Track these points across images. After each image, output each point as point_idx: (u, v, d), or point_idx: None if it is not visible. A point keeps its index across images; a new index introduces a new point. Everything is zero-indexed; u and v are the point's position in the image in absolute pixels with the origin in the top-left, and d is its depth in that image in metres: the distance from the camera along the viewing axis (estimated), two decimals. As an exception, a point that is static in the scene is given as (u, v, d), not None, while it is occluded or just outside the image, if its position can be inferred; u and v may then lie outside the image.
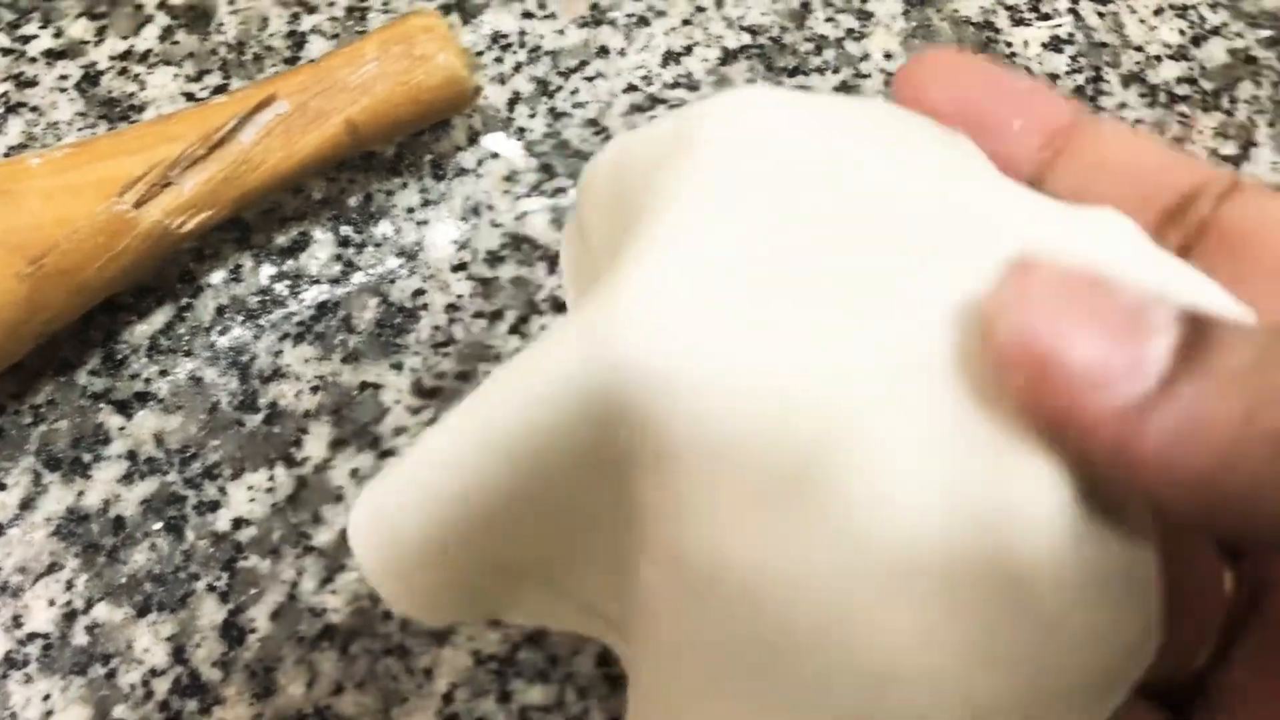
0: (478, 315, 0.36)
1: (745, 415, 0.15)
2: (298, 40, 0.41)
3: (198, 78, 0.40)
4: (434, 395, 0.35)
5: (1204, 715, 0.19)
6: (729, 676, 0.17)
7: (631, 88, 0.41)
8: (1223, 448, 0.14)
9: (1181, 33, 0.45)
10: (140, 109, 0.39)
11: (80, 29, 0.40)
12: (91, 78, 0.39)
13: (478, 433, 0.18)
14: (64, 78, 0.39)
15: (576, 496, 0.18)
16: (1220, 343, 0.14)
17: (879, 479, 0.15)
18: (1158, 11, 0.45)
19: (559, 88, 0.41)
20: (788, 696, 0.16)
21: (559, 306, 0.36)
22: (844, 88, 0.42)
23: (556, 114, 0.40)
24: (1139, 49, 0.44)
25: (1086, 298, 0.14)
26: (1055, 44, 0.44)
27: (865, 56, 0.43)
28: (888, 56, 0.43)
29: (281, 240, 0.37)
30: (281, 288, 0.36)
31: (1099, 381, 0.14)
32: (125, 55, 0.40)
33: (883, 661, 0.15)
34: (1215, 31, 0.45)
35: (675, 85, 0.41)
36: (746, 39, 0.42)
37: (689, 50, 0.42)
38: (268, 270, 0.36)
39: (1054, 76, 0.43)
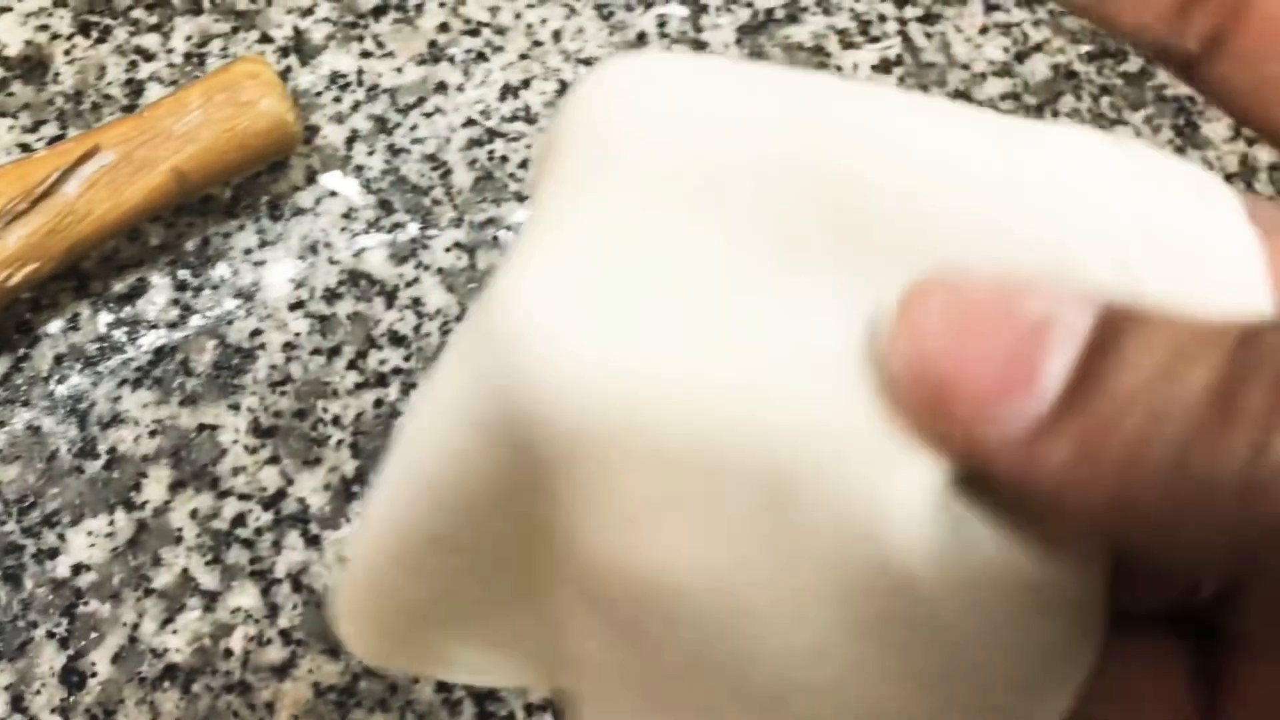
0: (315, 352, 0.37)
1: (634, 419, 0.15)
2: (136, 88, 0.41)
3: (34, 129, 0.40)
4: (271, 434, 0.35)
5: (1222, 653, 0.18)
6: (629, 693, 0.16)
7: (470, 122, 0.42)
8: (1116, 477, 0.13)
9: (1005, 50, 0.47)
10: (-24, 161, 0.39)
11: (-85, 83, 0.41)
12: (-74, 132, 0.40)
13: (403, 470, 0.17)
14: (-102, 133, 0.40)
15: (502, 529, 0.17)
16: (1125, 354, 0.13)
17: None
18: (983, 30, 0.47)
19: (398, 124, 0.41)
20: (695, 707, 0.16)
21: (397, 340, 0.37)
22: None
23: (395, 150, 0.41)
24: (965, 67, 0.46)
25: (987, 316, 0.14)
26: (885, 65, 0.46)
27: (700, 83, 0.44)
28: (721, 83, 0.44)
29: (119, 287, 0.37)
30: (119, 334, 0.37)
31: (993, 407, 0.13)
32: (-40, 108, 0.40)
33: (782, 673, 0.15)
34: (1038, 48, 0.47)
35: (513, 119, 0.42)
36: (584, 71, 0.44)
37: (527, 84, 0.43)
38: (105, 317, 0.37)
39: (882, 97, 0.45)
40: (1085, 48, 0.47)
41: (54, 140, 0.40)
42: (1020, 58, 0.47)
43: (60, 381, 0.36)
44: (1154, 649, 0.18)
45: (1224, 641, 0.18)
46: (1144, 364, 0.13)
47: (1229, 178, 0.44)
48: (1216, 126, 0.45)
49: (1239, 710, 0.17)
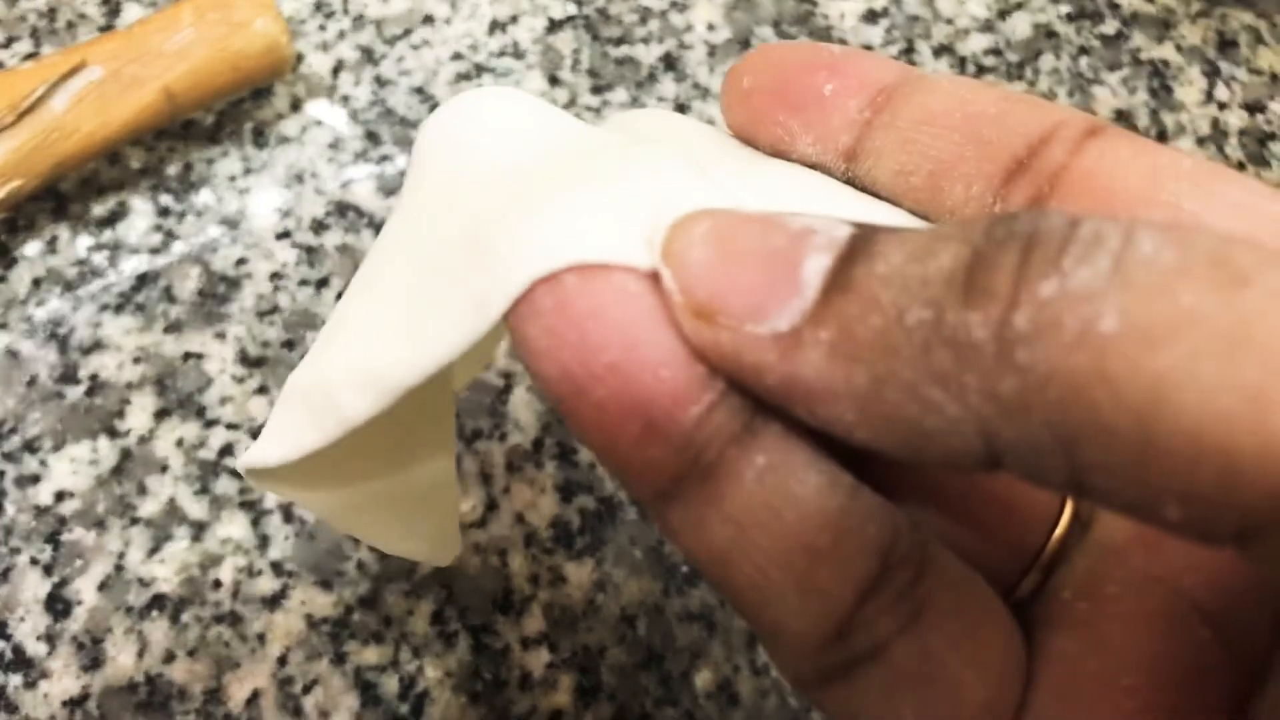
0: (303, 283, 0.36)
1: None
2: (113, 8, 0.40)
3: (6, 45, 0.38)
4: (259, 364, 0.35)
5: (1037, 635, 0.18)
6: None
7: (458, 56, 0.41)
8: (876, 357, 0.13)
9: (989, 7, 0.47)
10: (-54, 76, 0.38)
11: (-121, -7, 0.39)
12: (-108, 44, 0.38)
13: None
14: None
15: None
16: (876, 250, 0.13)
17: None
18: (966, -14, 0.47)
19: (384, 55, 0.41)
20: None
21: (387, 273, 0.37)
22: (668, 59, 0.43)
23: (382, 82, 0.40)
24: (949, 22, 0.46)
25: (750, 232, 0.14)
26: (871, 16, 0.46)
27: (689, 28, 0.44)
28: (710, 28, 0.44)
29: (99, 210, 0.36)
30: (100, 258, 0.36)
31: (757, 312, 0.14)
32: (-72, 21, 0.39)
33: None
34: (1020, 6, 0.47)
35: (501, 54, 0.41)
36: (572, 9, 0.43)
37: (515, 20, 0.42)
38: (85, 241, 0.36)
39: (869, 48, 0.45)
40: (1065, 8, 0.48)
41: (28, 58, 0.38)
42: (1003, 15, 0.47)
43: (39, 305, 0.35)
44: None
45: (1038, 625, 0.17)
46: (895, 256, 0.13)
47: (1201, 141, 0.45)
48: (1190, 90, 0.46)
49: (1047, 692, 0.16)
